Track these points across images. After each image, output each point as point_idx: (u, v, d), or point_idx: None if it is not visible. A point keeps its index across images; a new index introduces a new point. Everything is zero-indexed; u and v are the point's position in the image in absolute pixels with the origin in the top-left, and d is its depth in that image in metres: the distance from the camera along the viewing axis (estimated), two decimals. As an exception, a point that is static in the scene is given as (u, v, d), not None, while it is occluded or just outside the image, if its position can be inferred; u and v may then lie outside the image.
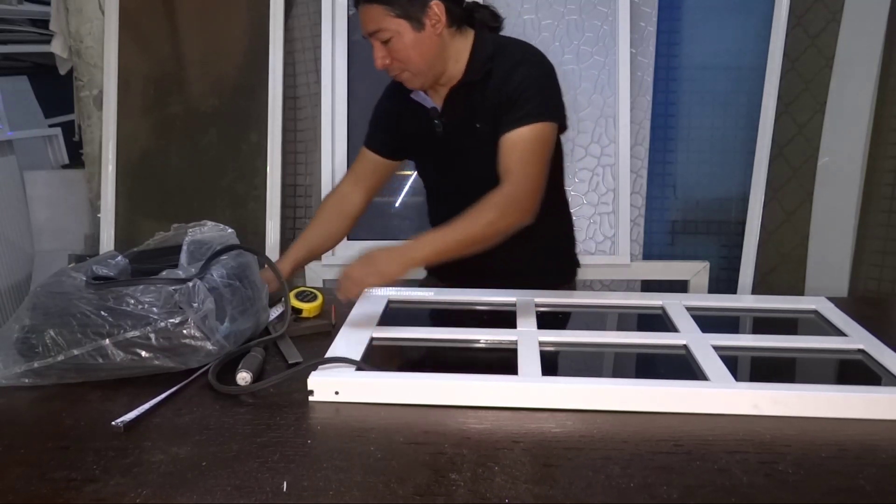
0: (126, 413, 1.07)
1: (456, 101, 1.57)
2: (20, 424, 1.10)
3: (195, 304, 1.17)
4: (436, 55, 1.51)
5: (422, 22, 1.46)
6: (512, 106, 1.49)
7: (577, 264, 1.82)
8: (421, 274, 1.81)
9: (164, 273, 1.22)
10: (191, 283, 1.18)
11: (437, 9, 1.46)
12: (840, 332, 1.38)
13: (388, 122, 1.70)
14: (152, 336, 1.15)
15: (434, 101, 1.59)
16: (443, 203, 1.66)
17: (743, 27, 2.56)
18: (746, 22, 2.55)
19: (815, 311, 1.49)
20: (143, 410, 1.08)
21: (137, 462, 0.96)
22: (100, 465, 0.96)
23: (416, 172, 2.18)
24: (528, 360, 1.21)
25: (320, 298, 1.48)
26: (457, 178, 1.59)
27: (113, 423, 1.04)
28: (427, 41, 1.48)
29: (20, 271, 2.79)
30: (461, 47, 1.54)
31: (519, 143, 1.47)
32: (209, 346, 1.18)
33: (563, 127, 1.58)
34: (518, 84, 1.50)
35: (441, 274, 1.76)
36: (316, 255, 1.60)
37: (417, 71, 1.51)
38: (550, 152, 1.52)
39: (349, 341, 1.28)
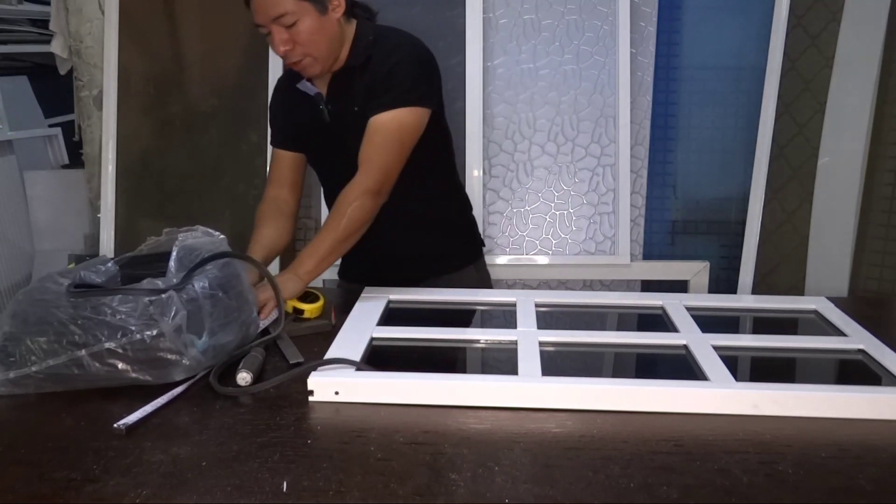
0: (126, 413, 1.06)
1: (339, 87, 1.61)
2: (20, 424, 1.09)
3: (167, 318, 1.13)
4: (337, 40, 1.55)
5: (325, 6, 1.50)
6: (380, 90, 1.53)
7: (480, 243, 1.86)
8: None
9: (144, 282, 1.18)
10: (165, 295, 1.14)
11: None
12: (840, 332, 1.38)
13: (283, 116, 1.74)
14: (128, 348, 1.12)
15: (318, 87, 1.63)
16: (337, 189, 1.68)
17: (743, 27, 2.56)
18: (746, 22, 2.55)
19: (815, 311, 1.49)
20: (146, 413, 1.08)
21: (137, 462, 0.96)
22: (100, 465, 0.95)
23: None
24: (528, 360, 1.21)
25: (322, 299, 1.48)
26: (344, 162, 1.61)
27: (115, 425, 1.04)
28: (329, 25, 1.52)
29: (20, 271, 2.79)
30: (348, 34, 1.58)
31: (380, 129, 1.53)
32: (185, 360, 1.15)
33: (437, 110, 1.62)
34: (389, 69, 1.54)
35: (349, 276, 1.82)
36: (272, 259, 1.66)
37: (320, 55, 1.54)
38: (414, 137, 1.56)
39: (349, 341, 1.28)
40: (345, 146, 1.59)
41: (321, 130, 1.65)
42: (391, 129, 1.53)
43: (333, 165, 1.70)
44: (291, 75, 1.66)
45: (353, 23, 1.60)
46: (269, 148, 2.51)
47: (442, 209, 1.75)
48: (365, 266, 1.75)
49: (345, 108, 1.60)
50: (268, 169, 2.53)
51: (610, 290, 2.56)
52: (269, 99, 1.83)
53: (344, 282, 1.86)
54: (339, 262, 1.79)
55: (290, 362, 1.26)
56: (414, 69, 1.55)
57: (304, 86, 1.62)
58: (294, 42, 1.50)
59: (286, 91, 1.69)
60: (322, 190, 1.82)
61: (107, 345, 1.12)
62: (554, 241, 2.54)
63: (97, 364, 1.13)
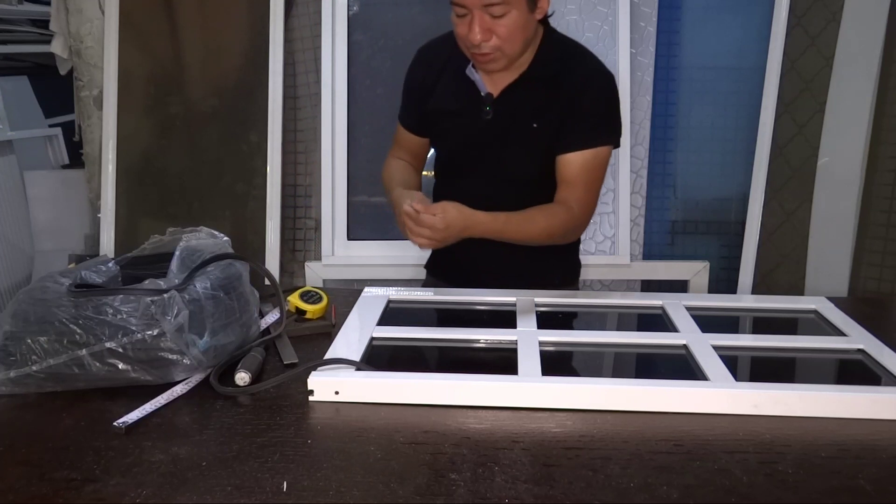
0: (126, 413, 1.07)
1: (515, 93, 1.54)
2: (20, 424, 1.09)
3: (168, 317, 1.13)
4: (529, 42, 1.49)
5: (535, 3, 1.44)
6: (582, 122, 1.51)
7: (579, 264, 1.83)
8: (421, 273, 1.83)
9: (146, 282, 1.18)
10: (167, 295, 1.14)
11: None
12: (840, 332, 1.38)
13: (422, 95, 1.64)
14: (129, 348, 1.12)
15: (486, 84, 1.55)
16: (460, 185, 1.61)
17: (743, 27, 2.56)
18: (746, 22, 2.55)
19: (815, 311, 1.49)
20: (146, 412, 1.08)
21: (137, 462, 0.96)
22: (100, 465, 0.96)
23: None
24: (528, 360, 1.21)
25: (325, 300, 1.47)
26: (490, 165, 1.56)
27: (115, 423, 1.04)
28: (530, 25, 1.45)
29: (20, 271, 2.79)
30: (534, 40, 1.52)
31: (586, 165, 1.52)
32: (185, 360, 1.15)
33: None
34: (592, 102, 1.52)
35: (438, 272, 1.78)
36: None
37: (512, 53, 1.46)
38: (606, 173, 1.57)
39: (349, 341, 1.28)
40: (498, 151, 1.54)
41: (472, 125, 1.57)
42: (595, 163, 1.52)
43: (472, 161, 1.62)
44: (455, 55, 1.54)
45: (539, 30, 1.52)
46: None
47: None
48: (462, 267, 1.68)
49: (516, 116, 1.53)
50: (268, 169, 2.55)
51: (610, 290, 2.56)
52: (408, 70, 1.69)
53: (430, 277, 1.80)
54: (429, 252, 1.77)
55: (285, 363, 1.26)
56: (613, 104, 1.55)
57: (475, 76, 1.52)
58: (493, 33, 1.41)
59: (435, 70, 1.60)
60: (435, 177, 1.73)
61: (107, 344, 1.12)
62: (554, 241, 2.54)
63: (98, 364, 1.13)
